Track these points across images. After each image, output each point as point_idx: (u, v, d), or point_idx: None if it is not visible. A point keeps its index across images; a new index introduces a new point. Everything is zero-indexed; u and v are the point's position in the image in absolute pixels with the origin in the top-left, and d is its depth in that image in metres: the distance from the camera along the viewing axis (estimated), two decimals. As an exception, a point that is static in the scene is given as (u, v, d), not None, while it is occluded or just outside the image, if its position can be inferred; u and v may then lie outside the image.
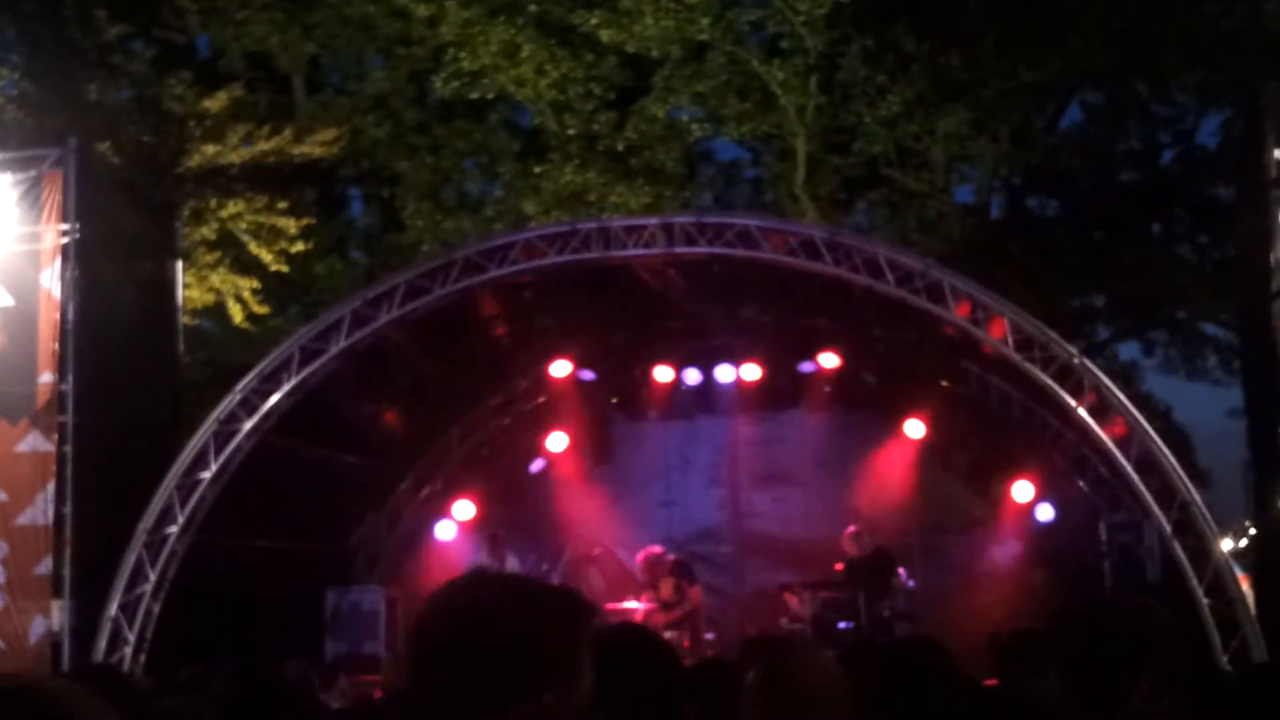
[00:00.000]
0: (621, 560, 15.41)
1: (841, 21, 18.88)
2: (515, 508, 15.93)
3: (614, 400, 16.59)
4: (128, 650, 12.64)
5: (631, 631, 3.53)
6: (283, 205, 19.03)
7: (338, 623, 14.73)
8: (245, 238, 19.03)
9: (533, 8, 19.30)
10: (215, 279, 18.92)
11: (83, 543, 12.61)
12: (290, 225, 18.97)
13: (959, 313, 12.11)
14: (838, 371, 15.36)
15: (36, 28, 17.05)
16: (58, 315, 12.79)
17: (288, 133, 18.85)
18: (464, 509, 16.09)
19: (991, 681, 5.55)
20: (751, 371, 15.74)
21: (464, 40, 19.36)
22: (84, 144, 13.89)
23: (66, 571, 12.50)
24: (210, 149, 18.08)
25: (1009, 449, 15.17)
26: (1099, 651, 3.09)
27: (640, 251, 12.90)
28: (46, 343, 12.82)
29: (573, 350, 15.72)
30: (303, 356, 13.13)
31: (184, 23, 19.39)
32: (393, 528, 16.57)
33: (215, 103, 18.26)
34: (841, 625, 13.60)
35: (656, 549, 14.90)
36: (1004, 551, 15.20)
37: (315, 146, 19.06)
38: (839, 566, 14.14)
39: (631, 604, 14.21)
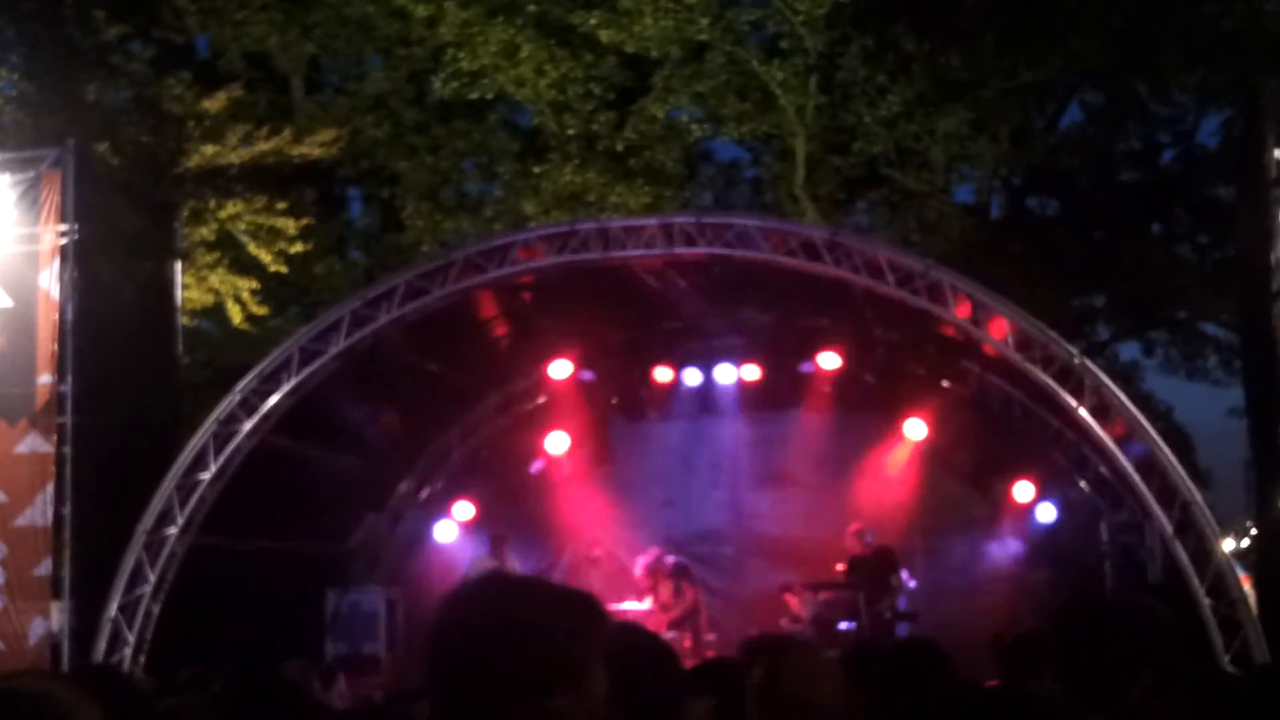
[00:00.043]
0: (622, 561, 15.39)
1: (841, 21, 18.88)
2: (515, 509, 15.91)
3: (614, 401, 16.58)
4: (128, 651, 12.63)
5: (631, 632, 3.52)
6: (282, 206, 19.02)
7: (338, 623, 14.73)
8: (244, 238, 19.02)
9: (532, 8, 19.30)
10: (214, 279, 18.91)
11: (82, 544, 12.60)
12: (289, 226, 18.96)
13: (959, 313, 12.10)
14: (838, 372, 15.34)
15: (35, 28, 17.05)
16: (56, 316, 12.78)
17: (287, 133, 18.84)
18: (464, 510, 16.08)
19: (993, 682, 5.54)
20: (752, 372, 15.73)
21: (463, 40, 19.35)
22: (83, 144, 13.88)
23: (66, 573, 12.49)
24: (209, 149, 18.07)
25: (1010, 449, 15.16)
26: (1096, 651, 3.09)
27: (640, 252, 12.89)
28: (45, 343, 12.81)
29: (573, 350, 15.71)
30: (302, 357, 13.12)
31: (183, 23, 19.37)
32: (393, 528, 16.56)
33: (214, 103, 18.24)
34: (842, 625, 13.60)
35: (656, 550, 14.91)
36: (1005, 552, 15.20)
37: (314, 147, 19.05)
38: (840, 567, 14.14)
39: (632, 605, 14.22)
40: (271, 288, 19.63)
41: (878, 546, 14.08)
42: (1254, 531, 17.42)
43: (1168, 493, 11.58)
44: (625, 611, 13.67)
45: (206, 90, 18.36)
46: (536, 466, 16.37)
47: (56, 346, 12.74)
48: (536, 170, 20.00)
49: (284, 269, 19.22)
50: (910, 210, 20.36)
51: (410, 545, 16.46)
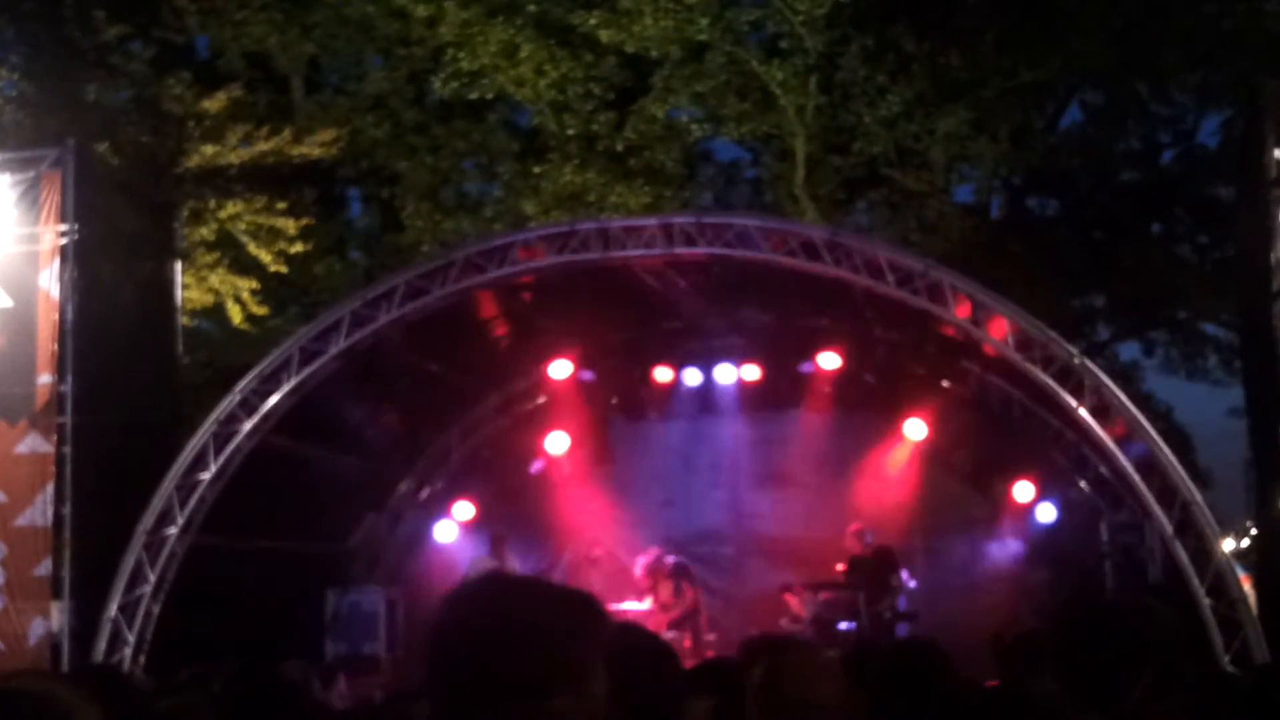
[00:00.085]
0: (622, 561, 15.39)
1: (841, 21, 18.87)
2: (515, 509, 15.91)
3: (614, 401, 16.58)
4: (128, 651, 12.63)
5: (631, 632, 3.52)
6: (282, 206, 19.02)
7: (338, 623, 14.73)
8: (244, 238, 19.02)
9: (532, 8, 19.29)
10: (214, 279, 18.91)
11: (82, 544, 12.60)
12: (289, 226, 18.95)
13: (959, 313, 12.09)
14: (838, 372, 15.34)
15: (35, 28, 17.04)
16: (56, 316, 12.78)
17: (287, 133, 18.84)
18: (464, 509, 16.08)
19: (993, 682, 5.54)
20: (752, 372, 15.73)
21: (463, 40, 19.35)
22: (83, 144, 13.88)
23: (66, 573, 12.49)
24: (209, 149, 18.07)
25: (1010, 449, 15.16)
26: (1096, 651, 3.09)
27: (640, 252, 12.89)
28: (45, 344, 12.80)
29: (573, 350, 15.70)
30: (302, 357, 13.12)
31: (183, 23, 19.37)
32: (393, 528, 16.56)
33: (214, 103, 18.24)
34: (842, 626, 13.60)
35: (656, 550, 14.91)
36: (1005, 552, 15.20)
37: (314, 147, 19.05)
38: (840, 567, 14.14)
39: (632, 605, 14.22)
40: (271, 288, 19.63)
41: (878, 546, 14.08)
42: (1254, 531, 17.42)
43: (1168, 493, 11.58)
44: (625, 611, 13.67)
45: (206, 90, 18.36)
46: (536, 466, 16.36)
47: (56, 346, 12.74)
48: (536, 170, 20.00)
49: (284, 269, 19.21)
50: (910, 210, 20.36)
51: (410, 545, 16.46)
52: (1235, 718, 4.30)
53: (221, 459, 12.97)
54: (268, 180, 18.90)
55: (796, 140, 19.62)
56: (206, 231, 18.82)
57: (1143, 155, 22.64)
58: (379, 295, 13.18)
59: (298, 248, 19.15)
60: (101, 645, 12.61)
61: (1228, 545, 15.66)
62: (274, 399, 13.10)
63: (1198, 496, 11.63)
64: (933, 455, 15.37)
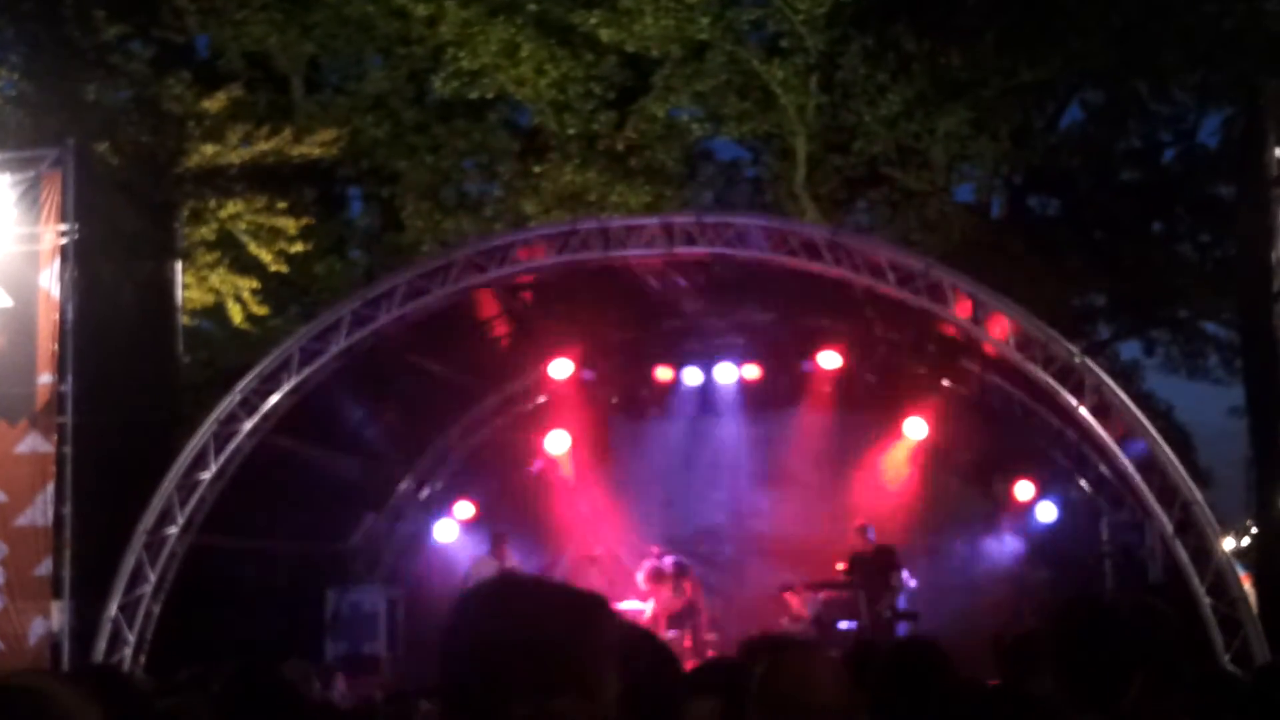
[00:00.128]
0: (622, 560, 15.39)
1: (841, 20, 18.86)
2: (515, 508, 15.92)
3: (614, 400, 16.58)
4: (128, 651, 12.62)
5: (631, 632, 3.51)
6: (282, 205, 19.02)
7: (338, 623, 14.73)
8: (244, 238, 19.01)
9: (532, 7, 19.28)
10: (215, 279, 18.90)
11: (82, 543, 12.60)
12: (289, 225, 18.95)
13: (960, 312, 12.09)
14: (838, 371, 15.35)
15: (35, 28, 17.03)
16: (57, 316, 12.78)
17: (287, 133, 18.83)
18: (464, 509, 16.08)
19: (994, 682, 5.53)
20: (752, 371, 15.73)
21: (463, 40, 19.34)
22: (83, 144, 13.88)
23: (66, 572, 12.49)
24: (209, 149, 18.06)
25: (1010, 449, 15.16)
26: (1091, 650, 3.08)
27: (640, 251, 12.89)
28: (45, 343, 12.80)
29: (573, 350, 15.70)
30: (302, 357, 13.12)
31: (183, 23, 19.36)
32: (393, 528, 16.56)
33: (214, 103, 18.24)
34: (842, 625, 13.61)
35: (656, 550, 14.91)
36: (1005, 551, 15.20)
37: (314, 146, 19.04)
38: (841, 566, 14.14)
39: (633, 604, 14.22)
40: (272, 287, 19.62)
41: (879, 545, 14.08)
42: (1254, 531, 17.40)
43: (1168, 492, 11.58)
44: (626, 611, 13.67)
45: (206, 90, 18.35)
46: (537, 466, 16.37)
47: (56, 346, 12.74)
48: (537, 170, 19.99)
49: (284, 269, 19.21)
50: (911, 209, 20.33)
51: (410, 545, 16.47)
52: (1236, 717, 4.30)
53: (222, 459, 12.97)
54: (268, 180, 18.89)
55: (797, 139, 19.61)
56: (207, 231, 18.82)
57: (1143, 154, 22.63)
58: (379, 295, 13.18)
59: (298, 247, 19.15)
60: (101, 645, 12.61)
61: (1228, 544, 15.66)
62: (274, 399, 13.09)
63: (1198, 496, 11.62)
64: (933, 454, 15.37)
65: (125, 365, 14.70)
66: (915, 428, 15.17)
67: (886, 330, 14.76)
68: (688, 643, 13.88)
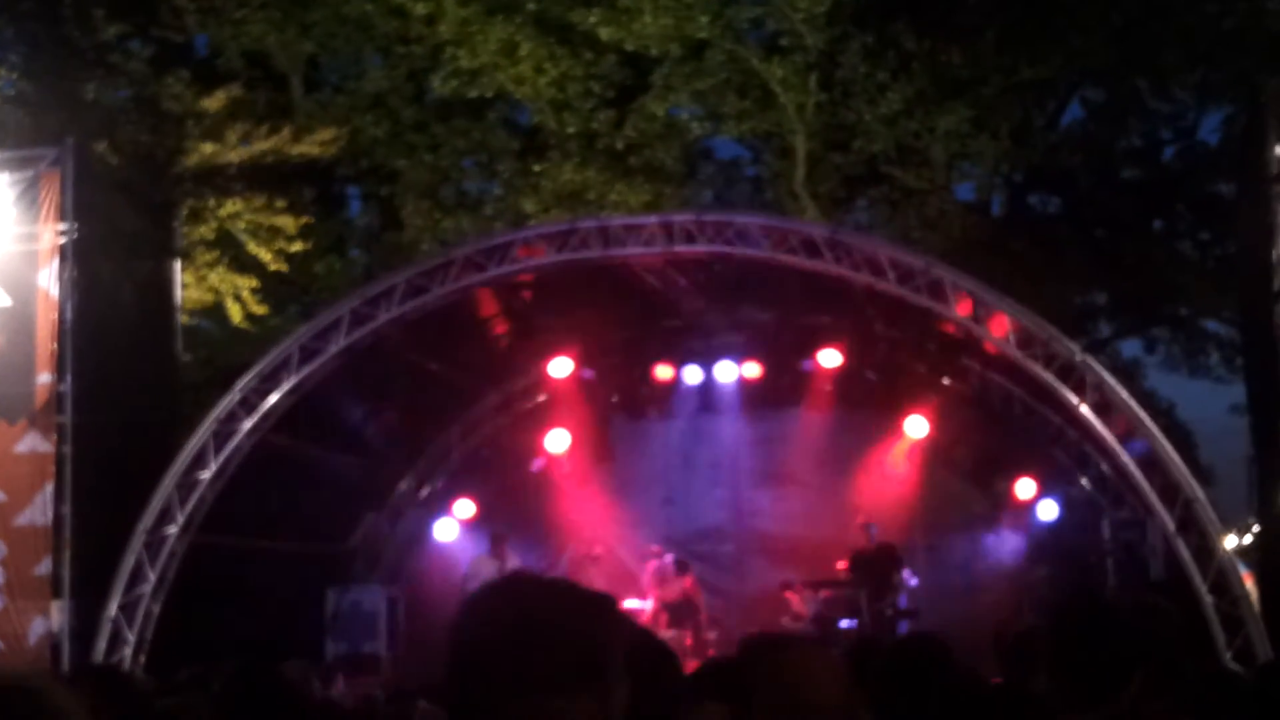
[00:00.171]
0: (623, 560, 15.38)
1: (841, 19, 18.85)
2: (516, 507, 15.91)
3: (614, 399, 16.57)
4: (128, 650, 12.62)
5: (630, 631, 3.50)
6: (281, 204, 19.01)
7: (338, 622, 14.71)
8: (244, 237, 19.00)
9: (531, 6, 19.26)
10: (214, 278, 18.90)
11: (82, 543, 12.59)
12: (289, 224, 18.94)
13: (960, 310, 12.08)
14: (839, 370, 15.34)
15: (34, 27, 17.03)
16: (56, 315, 12.77)
17: (286, 132, 18.81)
18: (464, 508, 16.07)
19: (996, 680, 5.52)
20: (752, 370, 15.71)
21: (462, 38, 19.32)
22: (82, 143, 13.86)
23: (66, 572, 12.48)
24: (208, 148, 18.05)
25: (1011, 447, 15.15)
26: (1088, 647, 3.07)
27: (640, 250, 12.88)
28: (45, 343, 12.79)
29: (573, 349, 15.69)
30: (302, 356, 13.11)
31: (182, 22, 19.35)
32: (393, 527, 16.55)
33: (213, 102, 18.22)
34: (843, 623, 13.59)
35: (656, 549, 14.91)
36: (1006, 549, 15.19)
37: (314, 145, 19.03)
38: (842, 564, 14.13)
39: (633, 603, 14.21)
40: (271, 286, 19.61)
41: (881, 543, 14.07)
42: (1256, 528, 17.38)
43: (1170, 490, 11.57)
44: (627, 611, 13.66)
45: (205, 89, 18.34)
46: (537, 465, 16.36)
47: (56, 346, 12.73)
48: (536, 168, 19.97)
49: (284, 268, 19.20)
50: (911, 208, 20.32)
51: (411, 544, 16.46)
52: (1238, 715, 4.29)
53: (221, 458, 12.96)
54: (267, 179, 18.88)
55: (797, 138, 19.59)
56: (206, 230, 18.81)
57: (1144, 152, 22.61)
58: (379, 294, 13.17)
59: (297, 246, 19.14)
60: (101, 645, 12.60)
61: (1230, 542, 15.63)
62: (274, 398, 13.08)
63: (1199, 493, 11.61)
64: (934, 453, 15.36)
65: (125, 364, 14.70)
66: (916, 426, 15.15)
67: (887, 329, 14.75)
68: (688, 641, 13.87)
